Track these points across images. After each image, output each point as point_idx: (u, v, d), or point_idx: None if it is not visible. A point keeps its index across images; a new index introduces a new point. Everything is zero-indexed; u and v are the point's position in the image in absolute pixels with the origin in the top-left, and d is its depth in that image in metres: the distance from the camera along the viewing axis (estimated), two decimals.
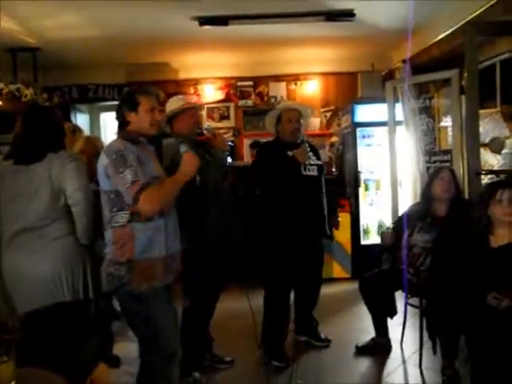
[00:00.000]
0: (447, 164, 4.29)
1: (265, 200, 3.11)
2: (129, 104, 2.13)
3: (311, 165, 3.11)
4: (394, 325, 3.27)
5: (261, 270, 3.16)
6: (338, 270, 5.01)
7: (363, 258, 4.76)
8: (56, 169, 2.11)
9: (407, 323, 3.25)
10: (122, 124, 2.16)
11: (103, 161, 2.03)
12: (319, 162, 3.19)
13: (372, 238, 5.09)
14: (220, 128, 5.91)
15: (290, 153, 2.98)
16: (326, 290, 3.52)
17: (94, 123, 6.43)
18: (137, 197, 1.96)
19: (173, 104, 2.90)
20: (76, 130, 3.75)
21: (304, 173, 3.06)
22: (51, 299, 2.09)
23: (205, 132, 2.94)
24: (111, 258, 2.07)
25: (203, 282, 2.78)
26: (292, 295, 3.23)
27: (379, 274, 3.28)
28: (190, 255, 2.37)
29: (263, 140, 4.84)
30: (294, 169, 2.99)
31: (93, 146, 3.05)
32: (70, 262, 2.13)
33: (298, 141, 3.08)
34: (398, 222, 3.25)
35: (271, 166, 2.98)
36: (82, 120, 6.02)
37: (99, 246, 2.23)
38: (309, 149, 3.08)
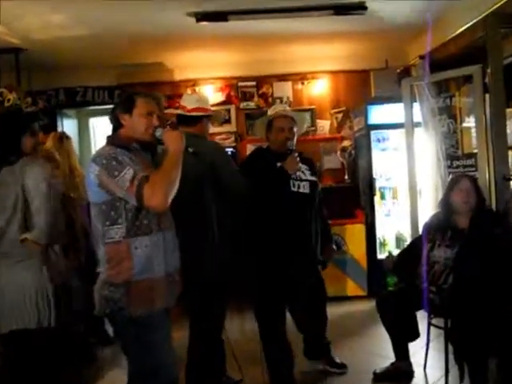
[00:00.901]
0: (471, 169, 4.28)
1: (251, 211, 2.97)
2: (124, 105, 2.15)
3: (302, 180, 2.99)
4: (415, 348, 3.25)
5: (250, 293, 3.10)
6: (352, 288, 4.99)
7: (380, 274, 4.74)
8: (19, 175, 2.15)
9: (431, 346, 3.23)
10: (116, 127, 2.18)
11: (92, 170, 2.01)
12: (313, 178, 3.06)
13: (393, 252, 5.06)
14: (220, 133, 5.94)
15: (278, 164, 2.91)
16: (339, 310, 3.51)
17: (83, 129, 6.46)
18: (140, 193, 1.93)
19: (190, 102, 2.89)
20: (63, 137, 3.80)
21: (293, 189, 2.94)
22: (16, 325, 2.11)
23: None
24: (105, 278, 2.04)
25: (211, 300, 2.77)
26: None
27: (398, 291, 3.26)
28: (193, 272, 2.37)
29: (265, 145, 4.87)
30: (282, 182, 2.89)
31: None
32: (35, 286, 2.15)
33: (288, 151, 2.95)
34: (417, 239, 3.25)
35: (256, 177, 2.84)
36: (69, 126, 6.04)
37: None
38: (299, 161, 2.96)
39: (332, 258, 3.37)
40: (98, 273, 2.10)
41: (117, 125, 2.17)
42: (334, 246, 3.40)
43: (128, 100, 2.15)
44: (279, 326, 3.02)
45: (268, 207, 2.89)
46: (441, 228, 3.09)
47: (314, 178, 3.06)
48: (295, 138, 3.04)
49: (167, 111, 3.08)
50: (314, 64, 5.93)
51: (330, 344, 3.37)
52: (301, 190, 2.97)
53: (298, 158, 2.94)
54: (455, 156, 4.45)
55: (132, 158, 2.03)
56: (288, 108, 3.44)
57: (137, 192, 1.94)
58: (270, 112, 3.16)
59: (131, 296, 2.01)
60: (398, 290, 3.29)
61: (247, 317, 3.18)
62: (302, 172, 3.02)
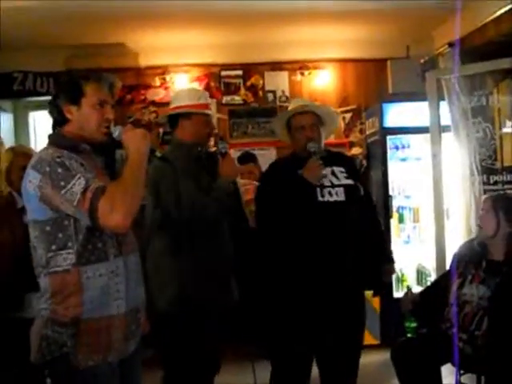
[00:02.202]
0: None
1: (263, 239, 3.09)
2: (68, 93, 2.09)
3: (335, 186, 3.00)
4: None
5: (264, 339, 3.17)
6: None
7: (396, 318, 4.74)
8: None
9: None
10: (59, 122, 2.13)
11: (32, 179, 1.97)
12: (349, 182, 3.04)
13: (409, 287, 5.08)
14: None
15: (299, 171, 2.94)
16: None
17: (20, 126, 6.41)
18: (94, 209, 1.87)
19: (181, 98, 3.03)
20: None
21: (321, 199, 2.96)
22: None
23: (220, 148, 3.01)
24: (49, 315, 1.99)
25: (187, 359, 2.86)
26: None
27: (419, 339, 3.27)
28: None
29: (255, 151, 4.79)
30: (304, 193, 2.92)
31: (23, 155, 3.08)
32: None
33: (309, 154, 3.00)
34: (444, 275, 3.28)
35: (276, 191, 2.93)
36: (3, 121, 6.01)
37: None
38: (323, 164, 2.98)
39: (389, 277, 3.34)
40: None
41: (60, 119, 2.12)
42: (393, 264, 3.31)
43: (73, 86, 2.09)
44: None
45: (290, 226, 2.93)
46: (474, 259, 3.12)
47: (350, 182, 3.03)
48: (323, 139, 3.09)
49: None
50: (317, 50, 5.98)
51: None
52: (332, 199, 2.97)
53: (321, 162, 2.95)
54: (493, 169, 4.49)
55: (83, 164, 1.99)
56: (309, 103, 3.45)
57: (90, 208, 1.88)
58: (289, 107, 3.26)
59: (80, 340, 1.97)
60: (419, 337, 3.29)
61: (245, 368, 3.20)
62: (334, 175, 3.03)
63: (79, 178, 1.91)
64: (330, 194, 2.97)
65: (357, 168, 3.30)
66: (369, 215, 3.18)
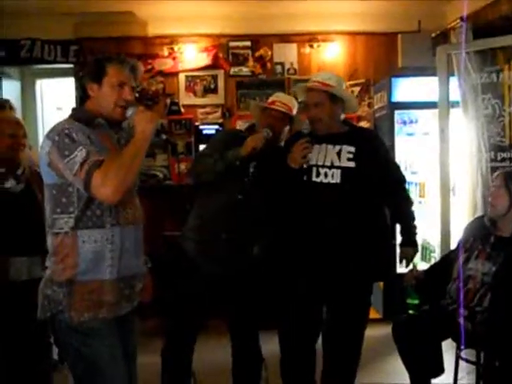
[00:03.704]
0: None
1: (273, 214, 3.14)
2: (92, 72, 2.23)
3: (332, 167, 2.97)
4: None
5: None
6: None
7: (399, 293, 4.76)
8: None
9: None
10: (83, 98, 2.28)
11: (45, 146, 2.12)
12: (349, 164, 2.97)
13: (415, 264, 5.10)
14: (204, 105, 5.94)
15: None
16: None
17: (27, 93, 6.41)
18: (88, 180, 2.01)
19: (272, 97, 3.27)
20: (6, 106, 3.75)
21: (315, 179, 2.98)
22: None
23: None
24: (50, 275, 2.17)
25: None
26: None
27: (420, 315, 3.29)
28: None
29: None
30: (300, 173, 2.96)
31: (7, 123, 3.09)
32: None
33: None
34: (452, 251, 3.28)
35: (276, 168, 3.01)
36: (10, 89, 6.01)
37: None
38: (309, 145, 2.99)
39: (406, 264, 3.29)
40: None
41: (84, 95, 2.26)
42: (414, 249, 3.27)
43: (97, 66, 2.22)
44: (306, 363, 3.08)
45: (283, 203, 3.00)
46: (482, 235, 3.11)
47: (351, 164, 2.97)
48: (335, 115, 3.07)
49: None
50: (327, 22, 5.93)
51: None
52: (326, 181, 2.97)
53: (307, 145, 2.95)
54: (501, 146, 4.47)
55: (90, 137, 2.12)
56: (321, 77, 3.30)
57: (85, 178, 2.02)
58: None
59: (73, 298, 2.12)
60: (420, 313, 3.31)
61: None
62: (338, 156, 3.00)
63: (81, 149, 2.05)
64: (325, 175, 2.97)
65: (377, 146, 3.15)
66: (388, 198, 3.14)
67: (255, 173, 3.08)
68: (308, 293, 3.00)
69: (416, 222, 3.24)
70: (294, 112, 3.26)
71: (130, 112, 2.21)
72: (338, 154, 2.99)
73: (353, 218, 2.97)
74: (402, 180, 3.28)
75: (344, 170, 2.96)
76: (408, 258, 3.24)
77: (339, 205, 2.96)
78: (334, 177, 2.96)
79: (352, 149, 3.00)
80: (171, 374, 3.18)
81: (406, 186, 3.51)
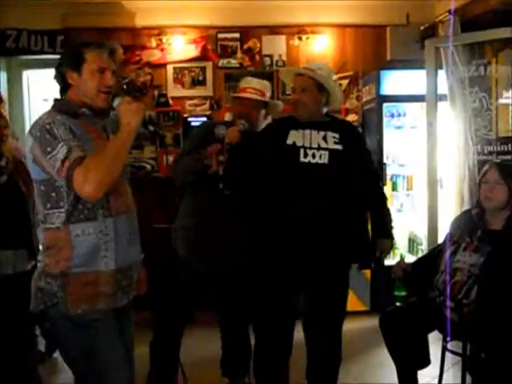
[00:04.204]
0: (507, 156, 4.33)
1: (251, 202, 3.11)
2: (71, 60, 2.18)
3: (320, 148, 2.99)
4: (427, 378, 3.31)
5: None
6: (352, 301, 4.99)
7: (387, 285, 4.78)
8: None
9: (445, 376, 3.27)
10: (63, 87, 2.23)
11: (28, 143, 2.10)
12: (336, 147, 3.01)
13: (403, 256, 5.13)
14: (192, 97, 5.92)
15: (290, 141, 3.00)
16: None
17: (14, 84, 6.35)
18: (69, 177, 2.00)
19: (240, 84, 3.33)
20: None
21: (303, 159, 2.97)
22: None
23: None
24: (43, 268, 2.15)
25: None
26: None
27: (408, 307, 3.30)
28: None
29: None
30: (287, 153, 2.97)
31: None
32: None
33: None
34: (440, 244, 3.30)
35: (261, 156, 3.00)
36: None
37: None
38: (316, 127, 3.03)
39: (383, 257, 3.27)
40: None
41: (63, 85, 2.22)
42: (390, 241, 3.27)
43: (75, 53, 2.18)
44: (283, 348, 3.07)
45: (270, 184, 2.99)
46: (470, 227, 3.13)
47: (338, 147, 3.01)
48: (319, 104, 3.07)
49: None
50: (316, 14, 5.91)
51: None
52: (314, 161, 2.97)
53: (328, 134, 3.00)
54: (488, 139, 4.50)
55: (72, 129, 2.08)
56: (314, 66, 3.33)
57: (66, 176, 2.01)
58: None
59: (69, 290, 2.10)
60: (407, 305, 3.33)
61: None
62: (325, 140, 3.02)
63: (62, 145, 2.02)
64: (313, 155, 2.98)
65: (357, 135, 3.25)
66: (366, 187, 3.16)
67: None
68: (286, 281, 2.99)
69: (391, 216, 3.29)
70: (268, 95, 3.27)
71: (116, 102, 2.19)
72: (324, 138, 3.02)
73: (340, 200, 2.99)
74: (377, 173, 3.34)
75: (332, 151, 3.00)
76: (386, 250, 3.25)
77: (327, 185, 2.98)
78: (322, 158, 2.98)
79: (336, 135, 3.05)
80: (159, 366, 3.20)
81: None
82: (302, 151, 2.96)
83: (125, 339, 2.26)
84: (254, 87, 3.23)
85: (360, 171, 3.08)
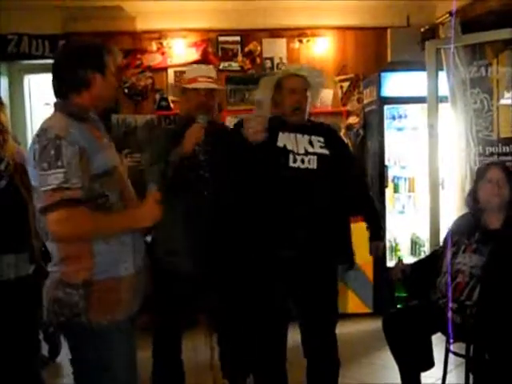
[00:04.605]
0: (508, 158, 4.33)
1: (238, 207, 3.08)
2: (95, 63, 2.15)
3: (308, 153, 2.98)
4: (430, 380, 3.31)
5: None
6: (354, 303, 5.03)
7: (389, 287, 4.78)
8: None
9: (448, 378, 3.27)
10: (79, 85, 2.13)
11: (32, 145, 2.02)
12: (323, 151, 3.02)
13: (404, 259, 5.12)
14: None
15: (280, 144, 2.97)
16: (337, 330, 3.48)
17: (15, 89, 6.36)
18: (50, 208, 1.94)
19: (185, 75, 3.19)
20: None
21: (292, 164, 2.95)
22: None
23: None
24: (60, 277, 2.08)
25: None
26: None
27: (410, 309, 3.30)
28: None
29: None
30: (277, 159, 2.94)
31: None
32: None
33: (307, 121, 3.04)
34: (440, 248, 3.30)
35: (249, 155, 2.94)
36: None
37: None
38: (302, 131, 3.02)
39: (376, 256, 3.36)
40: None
41: (83, 84, 2.13)
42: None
43: (98, 56, 2.16)
44: (277, 352, 3.06)
45: (260, 189, 2.96)
46: (468, 229, 3.13)
47: (325, 151, 3.02)
48: (309, 106, 3.09)
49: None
50: (317, 17, 5.91)
51: None
52: (303, 166, 2.96)
53: (313, 138, 2.99)
54: (489, 141, 4.50)
55: (86, 148, 2.01)
56: (305, 66, 3.46)
57: (47, 205, 1.94)
58: (279, 71, 3.24)
59: (92, 299, 2.05)
60: (410, 307, 3.32)
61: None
62: (311, 144, 3.02)
63: (60, 172, 1.95)
64: (302, 161, 2.97)
65: (340, 139, 3.26)
66: (352, 190, 3.16)
67: (208, 159, 3.04)
68: (276, 284, 2.98)
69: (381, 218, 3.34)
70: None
71: (151, 186, 2.20)
72: (310, 142, 3.02)
73: (328, 204, 2.99)
74: (363, 176, 3.33)
75: (320, 156, 3.00)
76: (378, 251, 3.29)
77: (316, 190, 2.97)
78: (311, 163, 2.98)
79: (321, 139, 3.06)
80: (160, 371, 3.16)
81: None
82: (291, 156, 2.96)
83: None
84: (206, 75, 3.12)
85: (346, 175, 3.10)
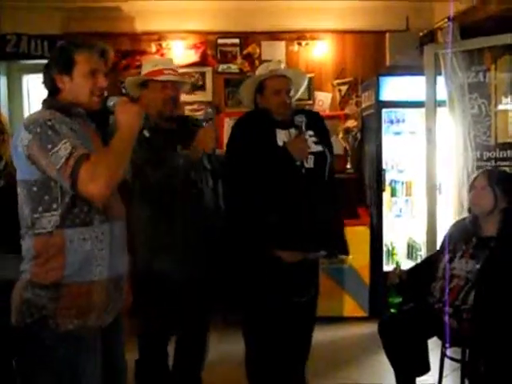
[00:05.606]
0: (506, 163, 4.33)
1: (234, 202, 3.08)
2: (60, 63, 2.10)
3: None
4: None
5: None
6: (350, 307, 5.03)
7: (386, 291, 4.79)
8: None
9: (444, 382, 3.27)
10: (52, 91, 2.15)
11: (23, 138, 1.98)
12: (318, 148, 3.04)
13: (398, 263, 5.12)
14: (192, 102, 5.91)
15: (280, 142, 2.97)
16: (332, 333, 3.54)
17: (14, 89, 6.36)
18: (75, 176, 1.88)
19: (145, 66, 3.06)
20: None
21: (297, 164, 2.96)
22: None
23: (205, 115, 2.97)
24: (30, 278, 2.02)
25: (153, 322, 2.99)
26: None
27: (406, 313, 3.30)
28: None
29: None
30: (286, 163, 2.93)
31: None
32: None
33: (296, 119, 3.01)
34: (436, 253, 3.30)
35: (253, 155, 2.92)
36: None
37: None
38: (305, 131, 3.01)
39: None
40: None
41: (53, 89, 2.14)
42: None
43: (64, 56, 2.11)
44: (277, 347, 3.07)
45: (268, 190, 2.94)
46: (465, 235, 3.14)
47: (320, 148, 3.04)
48: (293, 103, 3.12)
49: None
50: (316, 20, 5.91)
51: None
52: (307, 166, 2.98)
53: (308, 135, 2.99)
54: (486, 146, 4.50)
55: (73, 128, 2.01)
56: (284, 66, 3.44)
57: (71, 174, 1.89)
58: (260, 71, 3.19)
59: (60, 302, 1.98)
60: (406, 311, 3.33)
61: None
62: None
63: (65, 142, 1.93)
64: (306, 160, 2.98)
65: (325, 126, 3.22)
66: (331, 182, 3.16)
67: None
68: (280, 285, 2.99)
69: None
70: None
71: (111, 103, 2.11)
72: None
73: (326, 202, 3.02)
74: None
75: (316, 155, 3.02)
76: None
77: (316, 190, 2.99)
78: (309, 162, 3.00)
79: (311, 132, 3.07)
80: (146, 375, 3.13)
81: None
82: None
83: (114, 359, 2.19)
84: (172, 67, 3.08)
85: (331, 171, 3.12)
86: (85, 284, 2.02)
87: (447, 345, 3.10)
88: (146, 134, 2.84)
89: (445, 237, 3.30)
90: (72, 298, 2.00)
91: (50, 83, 2.14)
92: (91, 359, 2.05)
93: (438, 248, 3.49)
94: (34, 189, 2.01)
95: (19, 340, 2.07)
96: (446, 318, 3.00)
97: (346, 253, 3.24)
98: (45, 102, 2.15)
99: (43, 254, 2.00)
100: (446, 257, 3.12)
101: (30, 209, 2.03)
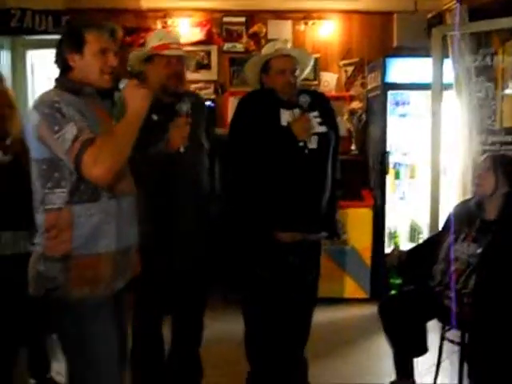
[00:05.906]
0: (511, 148, 4.32)
1: (238, 182, 3.07)
2: (71, 42, 2.15)
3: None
4: (425, 366, 3.33)
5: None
6: (351, 288, 5.06)
7: (387, 273, 4.81)
8: None
9: (442, 365, 3.30)
10: (64, 70, 2.20)
11: (33, 118, 2.05)
12: (322, 129, 3.02)
13: (400, 246, 5.13)
14: (197, 81, 5.89)
15: (284, 122, 2.95)
16: (333, 314, 3.56)
17: (18, 64, 6.34)
18: (78, 159, 1.96)
19: (150, 40, 3.01)
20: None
21: (300, 144, 2.93)
22: None
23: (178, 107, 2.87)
24: (42, 251, 2.11)
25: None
26: None
27: (407, 295, 3.32)
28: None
29: None
30: (289, 143, 2.91)
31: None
32: None
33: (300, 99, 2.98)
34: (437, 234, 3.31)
35: (256, 134, 2.91)
36: (0, 59, 5.94)
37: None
38: (308, 101, 2.99)
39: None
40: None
41: (65, 67, 2.18)
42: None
43: (75, 34, 2.15)
44: (277, 327, 3.08)
45: (269, 170, 2.93)
46: (468, 218, 3.15)
47: (323, 129, 3.03)
48: (298, 83, 3.08)
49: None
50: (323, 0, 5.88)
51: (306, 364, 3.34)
52: (311, 146, 2.96)
53: (312, 116, 2.97)
54: (491, 130, 4.48)
55: (82, 109, 2.06)
56: (290, 45, 3.41)
57: (76, 158, 1.97)
58: (266, 50, 3.17)
59: (70, 273, 2.07)
60: (407, 292, 3.34)
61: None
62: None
63: (72, 125, 1.98)
64: (305, 142, 2.95)
65: (331, 107, 3.21)
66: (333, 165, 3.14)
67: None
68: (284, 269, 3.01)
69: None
70: None
71: (122, 84, 2.16)
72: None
73: (328, 184, 3.02)
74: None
75: (320, 135, 3.00)
76: None
77: (320, 171, 3.00)
78: (313, 142, 2.98)
79: (316, 113, 3.05)
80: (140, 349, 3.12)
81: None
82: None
83: (120, 325, 2.25)
84: (177, 42, 3.05)
85: (335, 153, 3.11)
86: (93, 256, 2.10)
87: (447, 328, 3.12)
88: (155, 117, 2.82)
89: (449, 216, 3.29)
90: (80, 270, 2.08)
91: (61, 62, 2.18)
92: (104, 324, 2.13)
93: (440, 229, 3.49)
94: (44, 167, 2.08)
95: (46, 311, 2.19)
96: (449, 302, 3.01)
97: (338, 236, 3.28)
98: (57, 80, 2.20)
99: (53, 229, 2.08)
100: (451, 237, 3.12)
101: (40, 185, 2.10)
